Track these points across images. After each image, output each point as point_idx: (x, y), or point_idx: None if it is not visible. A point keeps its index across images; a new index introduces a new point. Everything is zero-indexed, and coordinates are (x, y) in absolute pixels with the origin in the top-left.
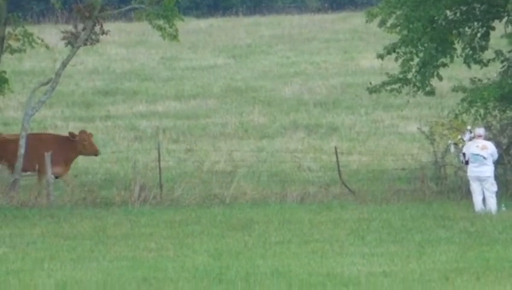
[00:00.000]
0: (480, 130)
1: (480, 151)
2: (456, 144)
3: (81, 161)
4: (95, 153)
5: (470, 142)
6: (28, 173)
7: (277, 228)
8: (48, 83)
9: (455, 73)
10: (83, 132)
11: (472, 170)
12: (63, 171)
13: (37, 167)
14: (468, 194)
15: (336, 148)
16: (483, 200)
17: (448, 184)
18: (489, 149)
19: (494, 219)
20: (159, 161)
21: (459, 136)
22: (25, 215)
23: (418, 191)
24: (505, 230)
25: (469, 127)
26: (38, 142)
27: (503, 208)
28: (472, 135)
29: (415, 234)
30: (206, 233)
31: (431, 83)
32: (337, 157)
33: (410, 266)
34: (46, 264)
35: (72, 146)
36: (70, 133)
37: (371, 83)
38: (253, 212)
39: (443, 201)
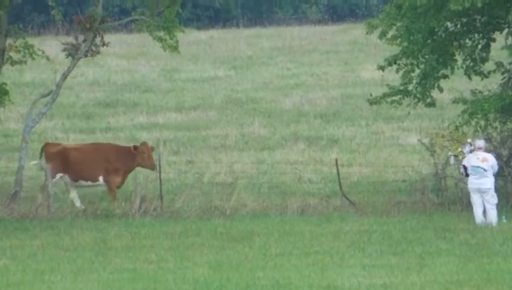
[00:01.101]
0: (481, 142)
1: (481, 163)
2: (456, 156)
3: None
4: (151, 167)
5: (470, 155)
6: (89, 182)
7: (277, 239)
8: (48, 94)
9: (456, 85)
10: (144, 144)
11: (472, 182)
12: (121, 182)
13: (100, 177)
14: (469, 206)
15: (336, 160)
16: (484, 212)
17: (448, 196)
18: (490, 161)
19: (494, 231)
20: (160, 172)
21: (459, 149)
22: (25, 227)
23: (418, 203)
24: (505, 242)
25: (469, 140)
26: (99, 152)
27: (504, 220)
28: (472, 147)
29: (416, 246)
30: (206, 245)
31: (432, 94)
32: (337, 169)
33: (410, 278)
34: (46, 276)
35: (132, 157)
36: (134, 146)
37: (371, 95)
38: (253, 224)
39: (444, 213)
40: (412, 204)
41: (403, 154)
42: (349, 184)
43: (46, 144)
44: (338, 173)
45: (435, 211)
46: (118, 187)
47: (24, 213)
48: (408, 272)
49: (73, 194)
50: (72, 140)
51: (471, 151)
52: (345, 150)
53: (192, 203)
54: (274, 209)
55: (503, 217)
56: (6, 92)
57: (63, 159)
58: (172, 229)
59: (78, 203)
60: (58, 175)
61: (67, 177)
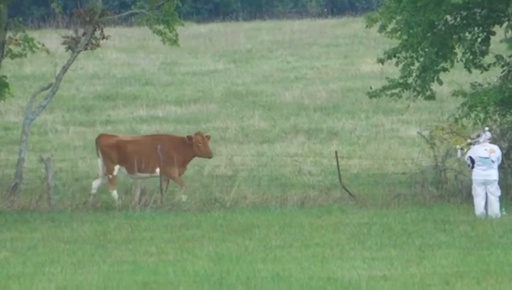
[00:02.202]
0: (488, 133)
1: (489, 154)
2: (462, 149)
3: (81, 165)
4: (209, 155)
5: (476, 146)
6: (146, 174)
7: (277, 232)
8: (48, 87)
9: (455, 77)
10: (198, 133)
11: (479, 174)
12: (179, 173)
13: (157, 169)
14: (469, 198)
15: (336, 152)
16: (485, 204)
17: (448, 188)
18: (497, 153)
19: (494, 223)
20: (160, 165)
21: (469, 140)
22: (25, 219)
23: (418, 195)
24: (505, 234)
25: (487, 128)
26: (156, 143)
27: (504, 212)
28: (489, 136)
29: (416, 238)
30: (206, 237)
31: (431, 87)
32: (337, 162)
33: (410, 270)
34: (46, 268)
35: (188, 148)
36: (188, 137)
37: (371, 88)
38: (253, 216)
39: (443, 205)
40: (411, 196)
41: (402, 146)
42: (349, 176)
43: (100, 136)
44: (338, 166)
45: (434, 203)
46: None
47: (24, 205)
48: (408, 264)
49: (114, 191)
50: (72, 133)
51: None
52: (344, 142)
53: (192, 196)
54: (274, 202)
55: (503, 209)
56: (6, 85)
57: (119, 152)
58: (172, 222)
59: (116, 197)
60: (116, 167)
61: (124, 170)
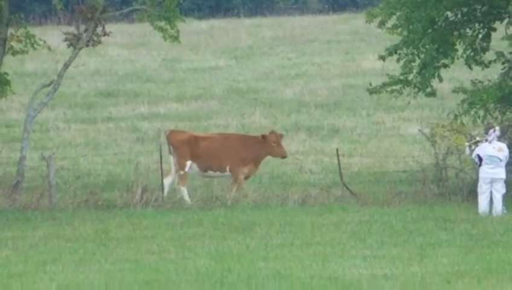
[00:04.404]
0: (498, 131)
1: (497, 153)
2: (471, 146)
3: (82, 162)
4: (284, 155)
5: (484, 144)
6: (217, 173)
7: (278, 230)
8: (50, 84)
9: (456, 74)
10: (273, 133)
11: (487, 172)
12: (251, 172)
13: (227, 167)
14: (470, 196)
15: (337, 150)
16: (489, 202)
17: (449, 186)
18: (505, 151)
19: (495, 221)
20: (161, 162)
21: (477, 138)
22: (27, 217)
23: (419, 193)
24: (506, 232)
25: (497, 127)
26: (227, 142)
27: (504, 211)
28: (498, 133)
29: (416, 236)
30: (207, 235)
31: (432, 84)
32: (338, 160)
33: (411, 269)
34: (48, 266)
35: (261, 147)
36: (263, 136)
37: (370, 84)
38: (254, 214)
39: (444, 203)
40: (412, 194)
41: (403, 144)
42: (350, 174)
43: (171, 132)
44: (339, 163)
45: (435, 201)
46: (247, 178)
47: (26, 204)
48: (409, 263)
49: (184, 187)
50: (73, 129)
51: (498, 139)
52: (345, 140)
53: (193, 194)
54: (275, 200)
55: (503, 207)
56: (7, 82)
57: (192, 148)
58: (173, 220)
59: (187, 197)
60: (188, 163)
61: (195, 166)
